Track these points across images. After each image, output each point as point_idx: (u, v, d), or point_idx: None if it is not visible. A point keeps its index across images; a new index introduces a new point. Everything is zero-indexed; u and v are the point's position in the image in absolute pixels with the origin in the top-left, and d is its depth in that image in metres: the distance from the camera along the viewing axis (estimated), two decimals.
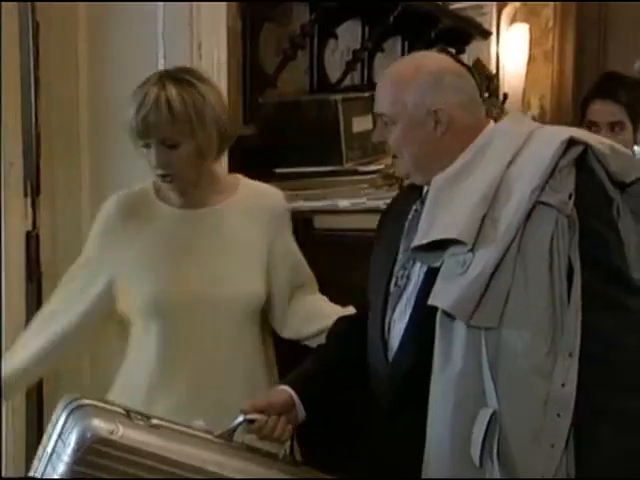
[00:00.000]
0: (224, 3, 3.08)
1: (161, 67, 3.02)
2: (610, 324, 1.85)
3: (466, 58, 4.43)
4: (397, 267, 2.10)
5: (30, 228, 3.09)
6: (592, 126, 2.88)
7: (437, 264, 1.94)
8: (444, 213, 1.96)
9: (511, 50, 6.20)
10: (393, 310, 2.08)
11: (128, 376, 2.49)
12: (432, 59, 2.12)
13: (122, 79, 2.96)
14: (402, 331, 2.03)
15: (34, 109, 3.08)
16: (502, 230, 1.88)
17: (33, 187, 3.10)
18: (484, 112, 2.12)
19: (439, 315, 1.90)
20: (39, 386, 3.02)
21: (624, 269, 1.90)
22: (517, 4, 6.34)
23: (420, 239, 1.97)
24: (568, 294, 1.84)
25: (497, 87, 4.85)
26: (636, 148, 3.04)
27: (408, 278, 2.06)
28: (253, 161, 3.21)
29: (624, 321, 1.86)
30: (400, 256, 2.10)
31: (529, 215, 1.88)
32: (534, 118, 6.49)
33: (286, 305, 2.50)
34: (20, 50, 3.04)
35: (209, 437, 2.00)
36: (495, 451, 1.82)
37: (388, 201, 3.11)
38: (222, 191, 2.47)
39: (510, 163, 1.95)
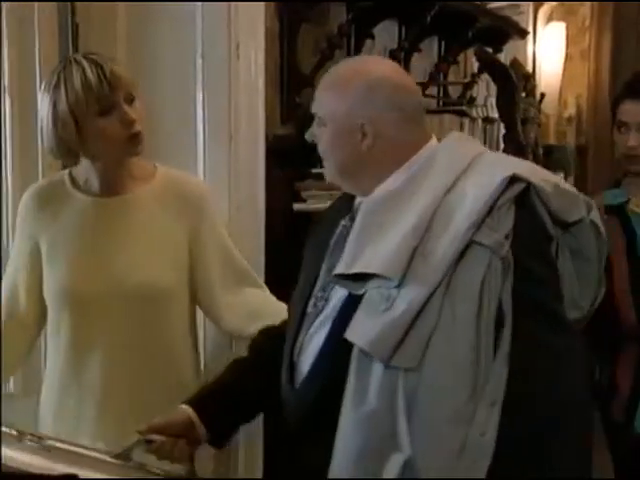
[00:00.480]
0: (262, 4, 3.08)
1: (199, 67, 3.04)
2: (541, 367, 1.77)
3: (503, 57, 4.41)
4: (317, 287, 1.99)
5: None
6: (622, 126, 2.84)
7: (359, 292, 1.83)
8: (373, 241, 1.84)
9: (548, 49, 6.17)
10: (307, 332, 1.96)
11: (46, 374, 2.49)
12: (375, 66, 1.99)
13: (161, 80, 2.98)
14: (313, 357, 1.92)
15: None
16: (433, 266, 1.77)
17: None
18: (425, 128, 1.99)
19: (356, 349, 1.79)
20: None
21: (559, 311, 1.84)
22: (554, 3, 6.31)
23: (344, 268, 1.85)
24: (496, 340, 1.74)
25: (534, 87, 4.81)
26: None
27: (326, 300, 1.95)
28: (290, 161, 3.22)
29: (555, 364, 1.78)
30: (322, 275, 1.99)
31: (462, 253, 1.77)
32: (570, 117, 6.47)
33: (216, 298, 2.43)
34: (59, 51, 3.07)
35: (105, 458, 1.90)
36: None
37: None
38: (138, 178, 2.41)
39: (449, 190, 1.84)
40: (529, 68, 5.74)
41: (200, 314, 2.59)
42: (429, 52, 4.43)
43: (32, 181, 3.01)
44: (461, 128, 3.77)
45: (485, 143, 4.08)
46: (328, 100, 1.97)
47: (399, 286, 1.77)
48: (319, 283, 1.99)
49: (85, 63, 2.25)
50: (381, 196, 1.91)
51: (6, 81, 3.04)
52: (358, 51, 3.81)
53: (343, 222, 1.99)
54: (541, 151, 4.07)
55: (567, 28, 6.28)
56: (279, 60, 3.31)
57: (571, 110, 6.51)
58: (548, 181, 1.88)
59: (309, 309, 1.98)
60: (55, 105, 2.27)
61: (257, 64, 3.12)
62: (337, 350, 1.84)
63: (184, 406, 2.06)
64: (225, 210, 3.09)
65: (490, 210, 1.79)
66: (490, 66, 4.06)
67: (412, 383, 1.74)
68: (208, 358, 2.91)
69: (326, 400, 1.84)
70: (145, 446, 1.97)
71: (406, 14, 3.89)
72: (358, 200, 1.99)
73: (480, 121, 4.03)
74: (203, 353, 2.81)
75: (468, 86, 4.62)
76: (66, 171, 2.47)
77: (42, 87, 2.33)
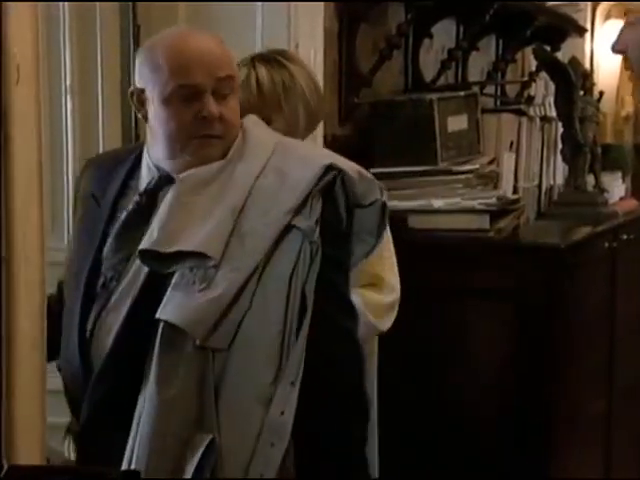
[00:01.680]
0: (321, 4, 3.10)
1: None
2: (338, 350, 1.86)
3: (561, 56, 4.36)
4: (106, 265, 1.94)
5: None
6: None
7: (166, 271, 1.82)
8: (190, 220, 1.84)
9: (606, 47, 6.10)
10: (98, 315, 1.92)
11: None
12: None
13: None
14: (112, 336, 1.87)
15: (134, 112, 3.12)
16: (250, 249, 1.80)
17: None
18: None
19: (162, 330, 1.77)
20: None
21: (349, 295, 1.96)
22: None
23: (156, 245, 1.82)
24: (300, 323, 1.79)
25: (592, 85, 4.77)
26: None
27: (118, 280, 1.91)
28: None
29: (351, 347, 1.89)
30: (109, 253, 1.94)
31: (280, 237, 1.82)
32: (628, 116, 6.40)
33: None
34: (121, 52, 3.10)
35: None
36: None
37: (483, 201, 3.13)
38: None
39: (259, 175, 1.88)
40: (587, 66, 5.68)
41: None
42: (487, 51, 4.41)
43: None
44: (519, 127, 3.74)
45: (543, 142, 4.05)
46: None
47: (217, 267, 1.78)
48: (107, 261, 1.94)
49: (242, 73, 2.32)
50: (199, 175, 1.90)
51: (68, 81, 3.08)
52: (416, 50, 3.81)
53: (136, 199, 1.95)
54: (599, 150, 4.02)
55: None
56: (338, 60, 3.32)
57: (628, 109, 6.44)
58: (353, 169, 1.95)
59: (98, 289, 1.94)
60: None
61: (316, 64, 3.13)
62: (139, 329, 1.82)
63: None
64: None
65: (307, 197, 1.85)
66: (548, 64, 4.02)
67: (220, 365, 1.77)
68: None
69: (122, 388, 1.83)
70: None
71: (464, 13, 3.88)
72: (157, 176, 1.96)
73: (538, 120, 3.98)
74: None
75: (526, 85, 4.60)
76: None
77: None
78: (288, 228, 1.82)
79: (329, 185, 1.89)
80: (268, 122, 2.31)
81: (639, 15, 6.04)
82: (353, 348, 1.90)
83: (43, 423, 1.70)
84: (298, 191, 1.85)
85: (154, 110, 1.93)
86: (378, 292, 2.41)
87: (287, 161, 1.92)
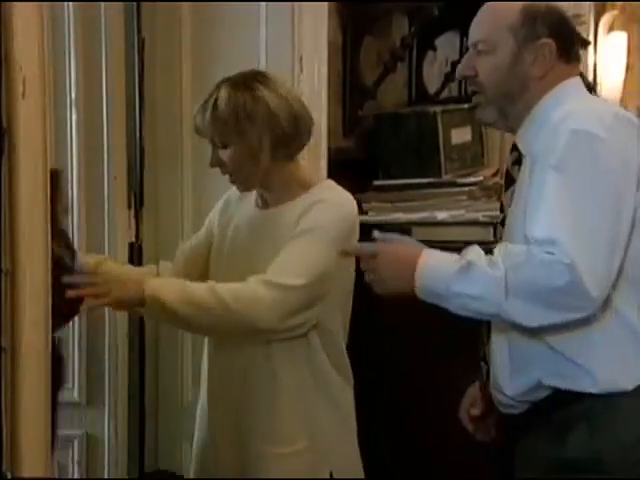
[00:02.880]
0: (325, 17, 3.11)
1: None
2: None
3: None
4: None
5: (133, 239, 3.15)
6: None
7: None
8: None
9: (609, 59, 6.10)
10: None
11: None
12: None
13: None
14: None
15: (139, 124, 3.14)
16: None
17: (137, 199, 3.17)
18: None
19: None
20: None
21: None
22: (615, 12, 6.25)
23: None
24: None
25: None
26: None
27: None
28: (352, 173, 3.23)
29: None
30: None
31: None
32: None
33: None
34: (126, 66, 3.11)
35: None
36: None
37: (487, 213, 3.13)
38: (296, 194, 2.37)
39: None
40: (591, 78, 5.69)
41: None
42: None
43: (98, 193, 3.06)
44: None
45: None
46: None
47: None
48: None
49: (208, 95, 2.33)
50: None
51: (74, 94, 3.09)
52: (420, 63, 3.81)
53: None
54: None
55: (628, 38, 6.21)
56: (342, 73, 3.33)
57: None
58: None
59: None
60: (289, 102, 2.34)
61: (320, 76, 3.14)
62: None
63: None
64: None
65: None
66: None
67: None
68: None
69: None
70: None
71: (467, 26, 3.87)
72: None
73: None
74: None
75: None
76: None
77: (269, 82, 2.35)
78: None
79: None
80: (225, 145, 2.31)
81: None
82: None
83: (48, 435, 1.71)
84: None
85: None
86: None
87: None
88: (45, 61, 1.66)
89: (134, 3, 3.09)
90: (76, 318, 2.67)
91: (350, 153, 3.29)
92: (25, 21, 1.60)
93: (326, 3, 3.12)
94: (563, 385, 1.98)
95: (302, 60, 3.06)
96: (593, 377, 1.95)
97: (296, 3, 3.01)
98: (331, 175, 3.18)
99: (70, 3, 3.01)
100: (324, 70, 3.15)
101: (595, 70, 6.00)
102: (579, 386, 1.96)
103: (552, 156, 1.89)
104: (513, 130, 2.13)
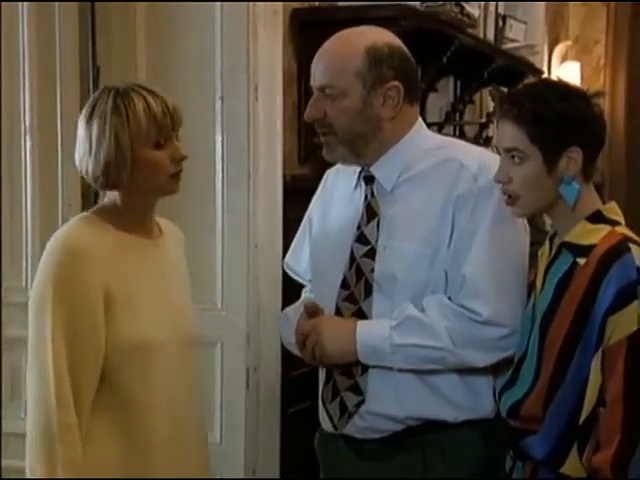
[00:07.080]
0: (280, 46, 3.13)
1: (218, 109, 3.08)
2: None
3: None
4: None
5: None
6: None
7: None
8: None
9: None
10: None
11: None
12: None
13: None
14: None
15: None
16: None
17: None
18: None
19: None
20: None
21: None
22: (569, 42, 6.35)
23: None
24: None
25: None
26: None
27: None
28: (307, 200, 3.24)
29: None
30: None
31: None
32: None
33: None
34: (80, 93, 3.11)
35: None
36: None
37: None
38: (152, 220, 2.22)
39: None
40: None
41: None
42: (445, 92, 4.46)
43: (53, 221, 3.04)
44: None
45: None
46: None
47: None
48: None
49: (145, 93, 2.13)
50: None
51: (28, 122, 3.08)
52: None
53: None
54: None
55: (582, 68, 6.30)
56: (297, 101, 3.34)
57: None
58: None
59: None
60: (112, 131, 2.06)
61: (275, 105, 3.16)
62: None
63: None
64: (244, 248, 3.11)
65: None
66: None
67: None
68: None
69: None
70: None
71: (423, 54, 3.91)
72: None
73: None
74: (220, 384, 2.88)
75: (484, 126, 4.65)
76: (90, 215, 2.15)
77: (86, 114, 2.10)
78: None
79: None
80: None
81: None
82: None
83: None
84: None
85: None
86: None
87: None
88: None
89: (89, 30, 3.10)
90: None
91: (305, 181, 3.30)
92: None
93: (280, 32, 3.15)
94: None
95: (257, 89, 3.08)
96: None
97: (251, 32, 3.03)
98: (286, 202, 3.21)
99: (25, 31, 3.01)
100: (279, 99, 3.17)
101: None
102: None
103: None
104: (366, 165, 2.17)
